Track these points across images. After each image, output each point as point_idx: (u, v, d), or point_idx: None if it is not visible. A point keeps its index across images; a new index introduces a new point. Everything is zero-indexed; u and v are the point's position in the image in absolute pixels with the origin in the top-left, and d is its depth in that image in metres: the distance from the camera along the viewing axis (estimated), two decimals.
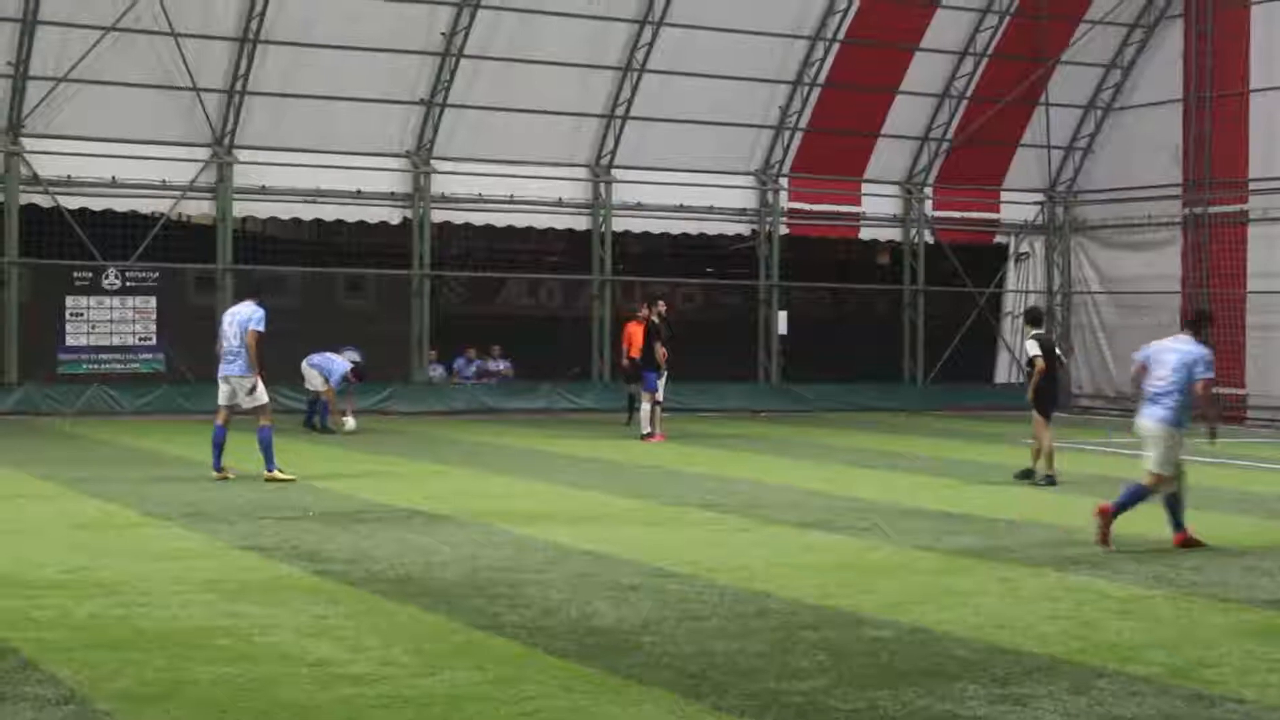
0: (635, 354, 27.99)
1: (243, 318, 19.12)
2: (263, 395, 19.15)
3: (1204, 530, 15.62)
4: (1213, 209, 35.54)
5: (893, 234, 38.28)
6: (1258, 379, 30.51)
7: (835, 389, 36.65)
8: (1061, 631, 10.43)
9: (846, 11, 34.67)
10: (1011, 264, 39.27)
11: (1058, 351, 21.43)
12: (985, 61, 36.49)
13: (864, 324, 39.77)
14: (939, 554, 13.97)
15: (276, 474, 18.98)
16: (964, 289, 38.61)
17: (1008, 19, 35.99)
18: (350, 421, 27.19)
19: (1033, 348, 20.76)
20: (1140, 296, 36.17)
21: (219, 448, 19.19)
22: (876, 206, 37.79)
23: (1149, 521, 16.47)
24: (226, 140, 31.92)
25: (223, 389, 19.38)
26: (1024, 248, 39.16)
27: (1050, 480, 20.18)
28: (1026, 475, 20.59)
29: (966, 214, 38.55)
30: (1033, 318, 21.85)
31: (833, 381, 36.76)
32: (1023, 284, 39.22)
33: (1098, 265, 38.32)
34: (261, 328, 18.98)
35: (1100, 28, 36.65)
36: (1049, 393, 20.74)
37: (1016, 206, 38.89)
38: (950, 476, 21.46)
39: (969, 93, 36.77)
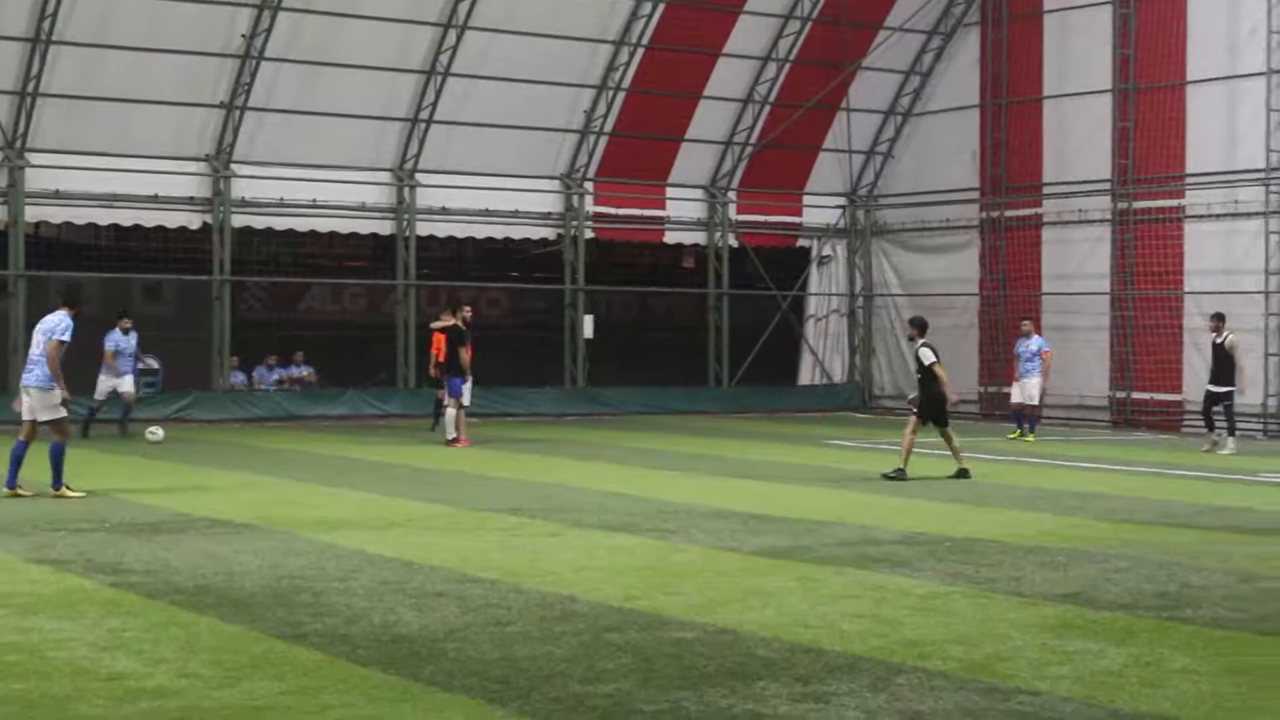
0: (445, 358, 27.76)
1: (48, 326, 18.46)
2: (61, 409, 18.42)
3: (1000, 527, 15.97)
4: (1009, 213, 36.35)
5: (697, 238, 38.57)
6: (1055, 378, 31.22)
7: (641, 393, 36.81)
8: (862, 629, 10.56)
9: (651, 16, 34.85)
10: (814, 267, 39.78)
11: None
12: (788, 67, 36.93)
13: (669, 328, 40.03)
14: (743, 555, 14.07)
15: (65, 492, 18.32)
16: (768, 292, 39.03)
17: (810, 25, 36.46)
18: (158, 432, 26.55)
19: (928, 354, 21.44)
20: (940, 298, 36.85)
21: (17, 463, 18.44)
22: (681, 210, 38.04)
23: (951, 519, 16.78)
24: (18, 144, 31.10)
25: (23, 400, 18.66)
26: (826, 251, 39.69)
27: (900, 475, 20.84)
28: (955, 476, 21.20)
29: (770, 218, 38.98)
30: (920, 325, 22.32)
31: (639, 385, 36.92)
32: (825, 287, 39.75)
33: (898, 268, 38.99)
34: (65, 338, 18.17)
35: (900, 34, 37.30)
36: (941, 398, 21.48)
37: (819, 210, 39.41)
38: (754, 478, 21.65)
39: (772, 97, 37.18)
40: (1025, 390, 30.06)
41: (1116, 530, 16.07)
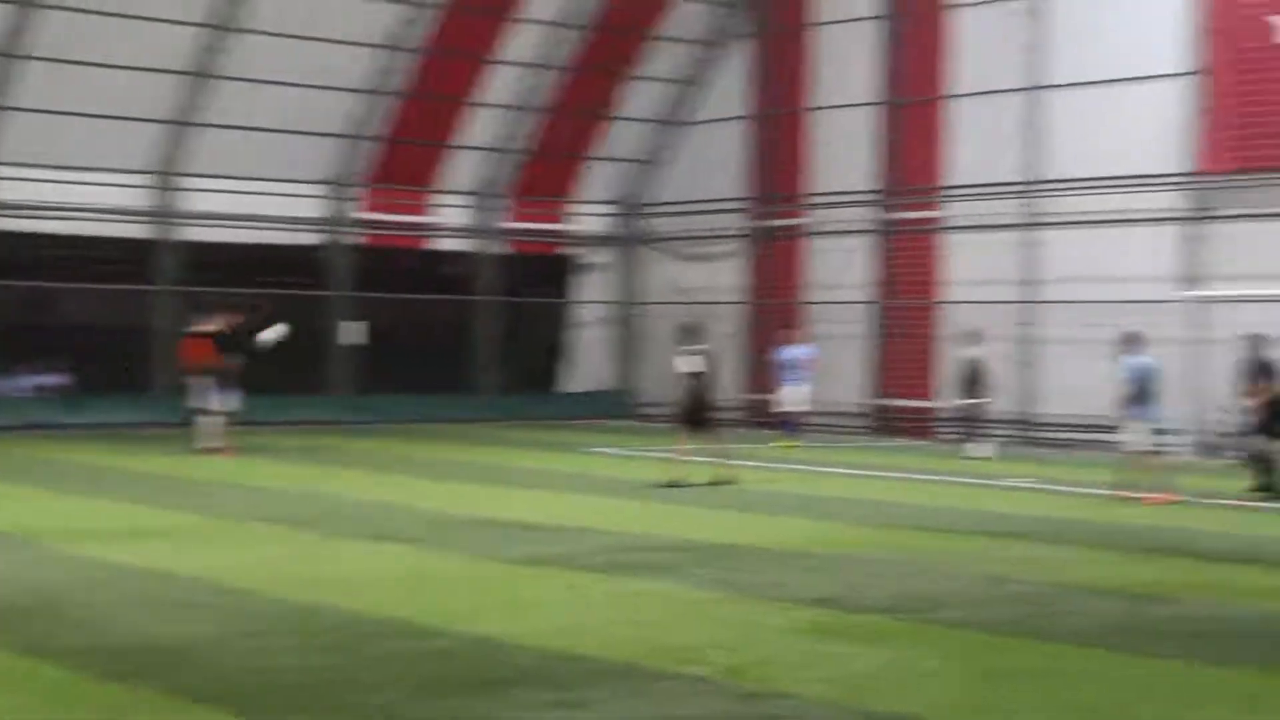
0: (204, 365, 27.14)
1: None
2: None
3: (763, 533, 16.15)
4: (775, 222, 36.81)
5: (467, 245, 38.36)
6: (818, 386, 31.67)
7: (410, 401, 36.47)
8: (624, 636, 10.58)
9: (424, 22, 34.57)
10: (584, 275, 39.84)
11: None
12: (560, 74, 36.94)
13: (439, 335, 39.71)
14: (507, 563, 14.01)
15: None
16: (537, 300, 38.97)
17: (582, 33, 36.51)
18: (277, 330, 25.87)
19: (691, 362, 21.74)
20: (707, 307, 37.21)
21: None
22: (451, 217, 37.81)
23: (715, 526, 16.92)
24: None
25: None
26: (596, 259, 39.79)
27: (675, 485, 20.92)
28: (712, 483, 21.25)
29: (540, 225, 38.92)
30: (688, 332, 22.54)
31: (406, 393, 36.58)
32: (594, 295, 39.85)
33: (667, 277, 39.24)
34: None
35: (672, 44, 37.55)
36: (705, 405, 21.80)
37: (590, 219, 39.50)
38: (520, 486, 21.59)
39: (544, 105, 37.15)
40: (790, 398, 30.50)
41: (875, 535, 16.37)
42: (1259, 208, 28.96)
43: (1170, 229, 30.17)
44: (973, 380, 28.40)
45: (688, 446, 21.77)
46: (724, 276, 37.72)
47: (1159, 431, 21.70)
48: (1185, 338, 28.68)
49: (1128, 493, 20.24)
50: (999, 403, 30.89)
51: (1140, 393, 20.53)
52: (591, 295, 39.88)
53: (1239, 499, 20.33)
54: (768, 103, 36.94)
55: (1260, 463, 21.22)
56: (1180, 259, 29.97)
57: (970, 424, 28.69)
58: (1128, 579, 13.41)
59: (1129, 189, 30.60)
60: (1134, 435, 20.69)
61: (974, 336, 28.94)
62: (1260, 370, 22.03)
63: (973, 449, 27.87)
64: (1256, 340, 22.82)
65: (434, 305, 38.98)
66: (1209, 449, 28.63)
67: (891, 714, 8.54)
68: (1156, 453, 20.96)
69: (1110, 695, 9.05)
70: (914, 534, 16.54)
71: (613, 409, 38.69)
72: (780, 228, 36.80)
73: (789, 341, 31.30)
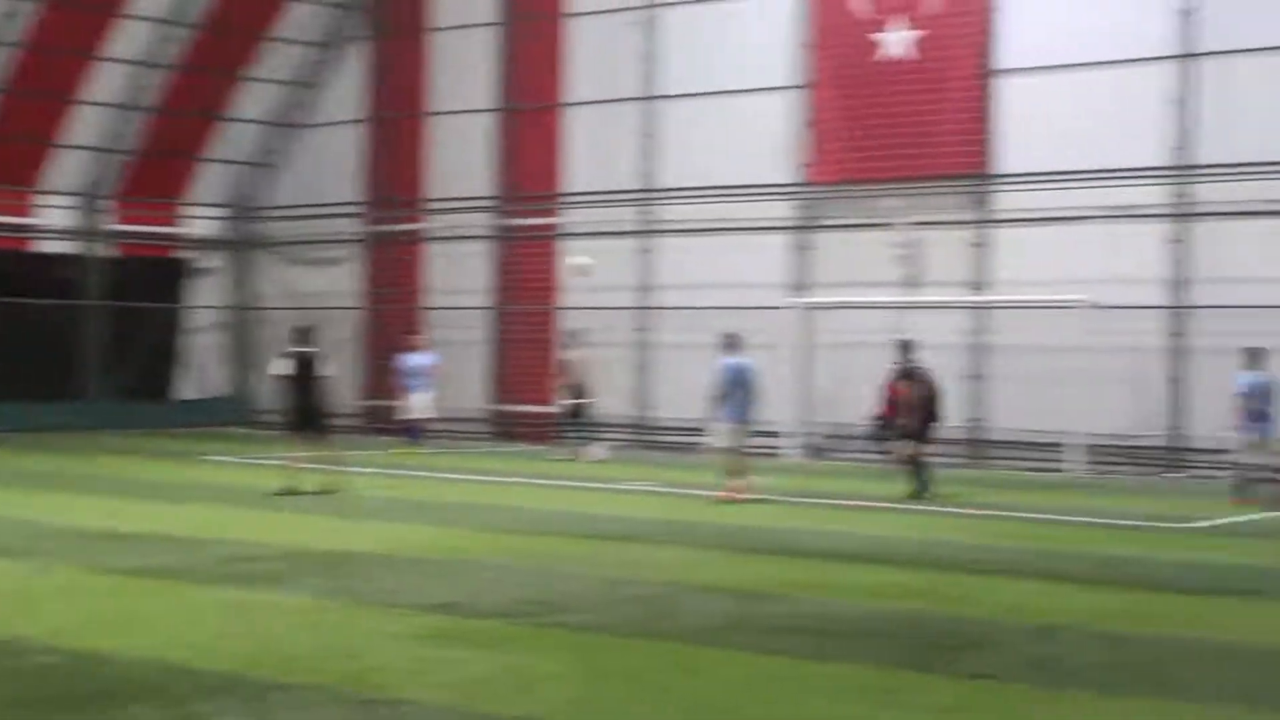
0: None
1: None
2: None
3: (381, 540, 16.01)
4: (393, 227, 36.61)
5: (72, 247, 36.94)
6: (440, 392, 31.56)
7: (13, 409, 34.90)
8: (237, 648, 10.34)
9: (24, 15, 33.16)
10: (197, 279, 38.84)
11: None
12: (170, 73, 35.92)
13: (42, 341, 38.14)
14: (116, 576, 13.56)
15: None
16: (147, 305, 37.80)
17: (193, 32, 35.59)
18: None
19: (288, 367, 21.41)
20: (324, 312, 36.77)
21: None
22: (54, 219, 36.38)
23: (332, 534, 16.71)
24: None
25: None
26: (208, 263, 38.86)
27: (290, 493, 20.65)
28: (321, 491, 20.97)
29: (150, 228, 37.78)
30: (300, 334, 22.08)
31: (10, 400, 35.02)
32: (207, 300, 38.90)
33: (282, 281, 38.59)
34: None
35: (287, 45, 36.93)
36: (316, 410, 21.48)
37: (201, 221, 38.53)
38: (131, 496, 20.90)
39: (153, 104, 36.06)
40: (414, 404, 30.40)
41: (493, 540, 16.40)
42: (862, 218, 30.12)
43: (780, 237, 31.14)
44: (578, 383, 28.93)
45: (300, 453, 21.43)
46: (341, 281, 37.32)
47: (756, 433, 22.37)
48: (796, 343, 29.65)
49: (733, 494, 20.82)
50: (616, 406, 31.47)
51: (731, 393, 21.09)
52: (206, 300, 38.93)
53: (901, 503, 20.95)
54: (385, 106, 36.71)
55: (913, 467, 22.01)
56: (789, 266, 30.96)
57: (580, 427, 29.17)
58: (739, 578, 13.75)
59: (740, 198, 31.46)
60: (719, 435, 21.33)
61: (577, 338, 29.51)
62: (905, 375, 22.76)
63: (582, 452, 28.37)
64: (906, 345, 23.57)
65: (41, 310, 37.41)
66: (815, 451, 29.65)
67: (510, 717, 8.57)
68: (743, 452, 21.51)
69: (723, 692, 9.26)
70: (531, 538, 16.63)
71: (229, 416, 37.85)
72: (398, 232, 36.60)
73: (412, 348, 31.17)
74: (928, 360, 23.23)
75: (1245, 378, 21.69)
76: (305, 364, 21.47)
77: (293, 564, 14.26)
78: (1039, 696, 9.24)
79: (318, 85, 37.83)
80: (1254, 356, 22.03)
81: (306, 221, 37.85)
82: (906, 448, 22.12)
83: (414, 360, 30.70)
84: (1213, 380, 25.98)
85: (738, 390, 21.10)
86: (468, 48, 35.43)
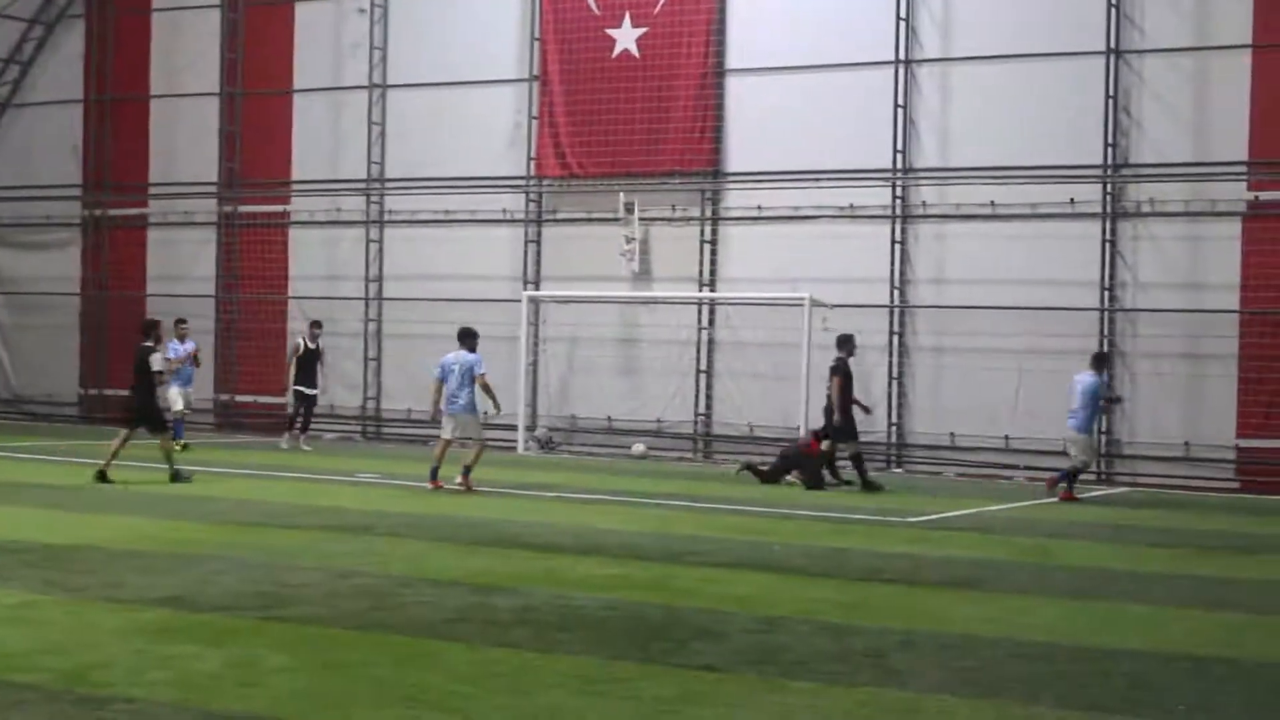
0: None
1: None
2: None
3: (100, 532, 15.57)
4: (113, 211, 35.60)
5: None
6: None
7: None
8: None
9: None
10: None
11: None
12: None
13: None
14: None
15: None
16: None
17: None
18: None
19: (157, 362, 21.34)
20: (39, 298, 35.63)
21: None
22: None
23: (48, 527, 16.20)
24: None
25: None
26: None
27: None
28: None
29: None
30: (148, 327, 21.90)
31: None
32: None
33: None
34: None
35: (0, 21, 35.63)
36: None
37: None
38: None
39: None
40: (175, 397, 28.86)
41: (219, 533, 16.07)
42: (592, 212, 30.26)
43: (510, 230, 31.12)
44: (306, 371, 28.75)
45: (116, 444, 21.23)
46: (57, 266, 36.14)
47: (486, 425, 22.57)
48: (526, 336, 29.70)
49: (466, 485, 20.95)
50: (350, 397, 31.21)
51: (458, 387, 21.26)
52: None
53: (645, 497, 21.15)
54: (105, 88, 35.64)
55: (855, 463, 23.23)
56: (520, 260, 30.95)
57: (305, 417, 28.84)
58: (469, 570, 13.71)
59: (470, 189, 31.35)
60: (448, 427, 21.44)
61: (313, 327, 29.14)
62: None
63: (293, 440, 28.42)
64: (845, 340, 23.94)
65: None
66: (546, 444, 29.73)
67: (234, 712, 8.40)
68: (472, 443, 21.69)
69: (452, 683, 9.21)
70: (258, 530, 16.35)
71: None
72: (118, 217, 35.59)
73: (175, 337, 30.00)
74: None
75: (1086, 379, 22.48)
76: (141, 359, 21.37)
77: (9, 558, 13.76)
78: (762, 686, 9.38)
79: (33, 63, 36.52)
80: (1098, 360, 23.02)
81: (19, 204, 36.53)
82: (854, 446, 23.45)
83: (178, 350, 29.33)
84: (924, 378, 26.81)
85: (466, 383, 21.29)
86: (193, 30, 34.62)
